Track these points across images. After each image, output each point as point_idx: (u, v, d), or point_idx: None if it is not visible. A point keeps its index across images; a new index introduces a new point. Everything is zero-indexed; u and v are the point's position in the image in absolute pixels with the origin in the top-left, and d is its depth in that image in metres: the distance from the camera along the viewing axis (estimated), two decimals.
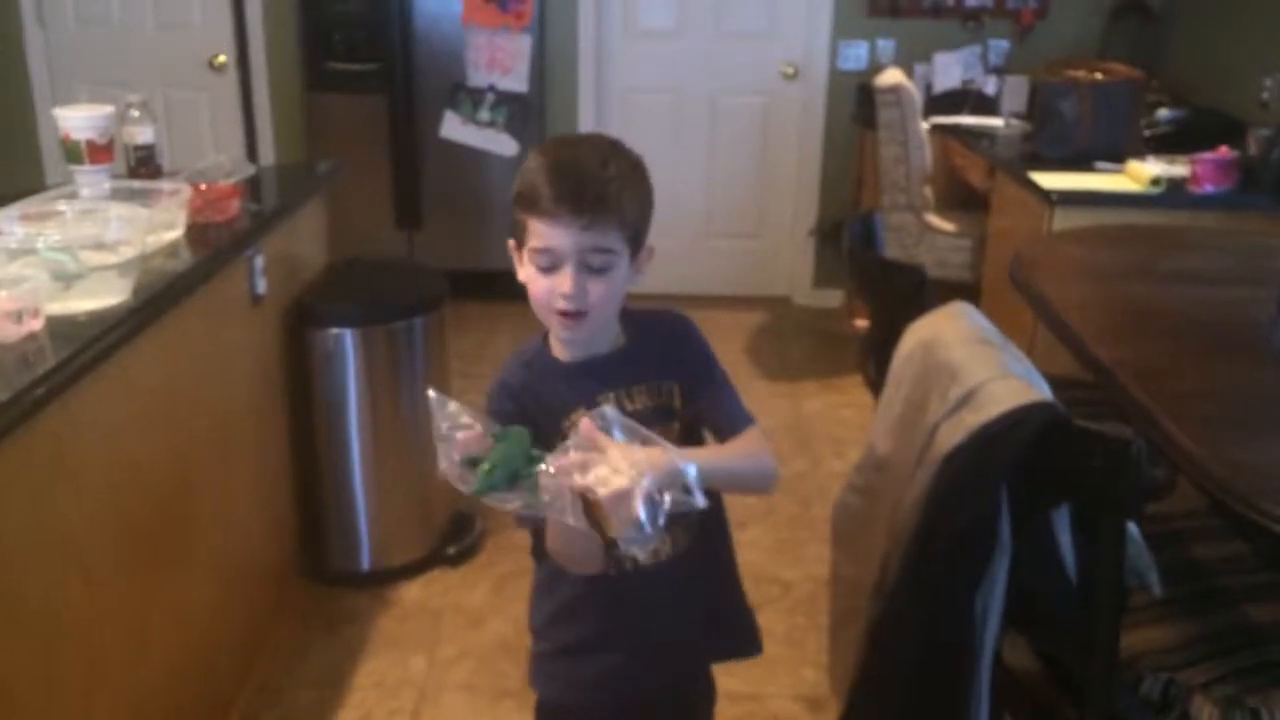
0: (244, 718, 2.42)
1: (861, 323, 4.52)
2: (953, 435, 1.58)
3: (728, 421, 1.47)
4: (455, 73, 4.84)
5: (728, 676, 1.80)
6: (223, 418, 2.40)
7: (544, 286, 1.34)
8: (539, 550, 1.44)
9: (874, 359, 2.53)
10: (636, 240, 1.37)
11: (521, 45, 4.77)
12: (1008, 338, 1.78)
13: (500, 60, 4.79)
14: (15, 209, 1.99)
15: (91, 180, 2.57)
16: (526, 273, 1.37)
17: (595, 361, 1.43)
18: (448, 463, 1.23)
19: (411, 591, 2.90)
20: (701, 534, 1.51)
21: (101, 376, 1.80)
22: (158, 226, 2.22)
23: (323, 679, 2.56)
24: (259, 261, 2.51)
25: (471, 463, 1.22)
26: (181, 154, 4.98)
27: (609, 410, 1.23)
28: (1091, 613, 1.57)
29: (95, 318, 1.84)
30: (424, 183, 5.01)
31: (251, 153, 5.07)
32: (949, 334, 1.76)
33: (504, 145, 4.86)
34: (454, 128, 4.87)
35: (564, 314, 1.34)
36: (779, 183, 5.24)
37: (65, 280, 1.85)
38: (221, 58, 4.95)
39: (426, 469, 2.97)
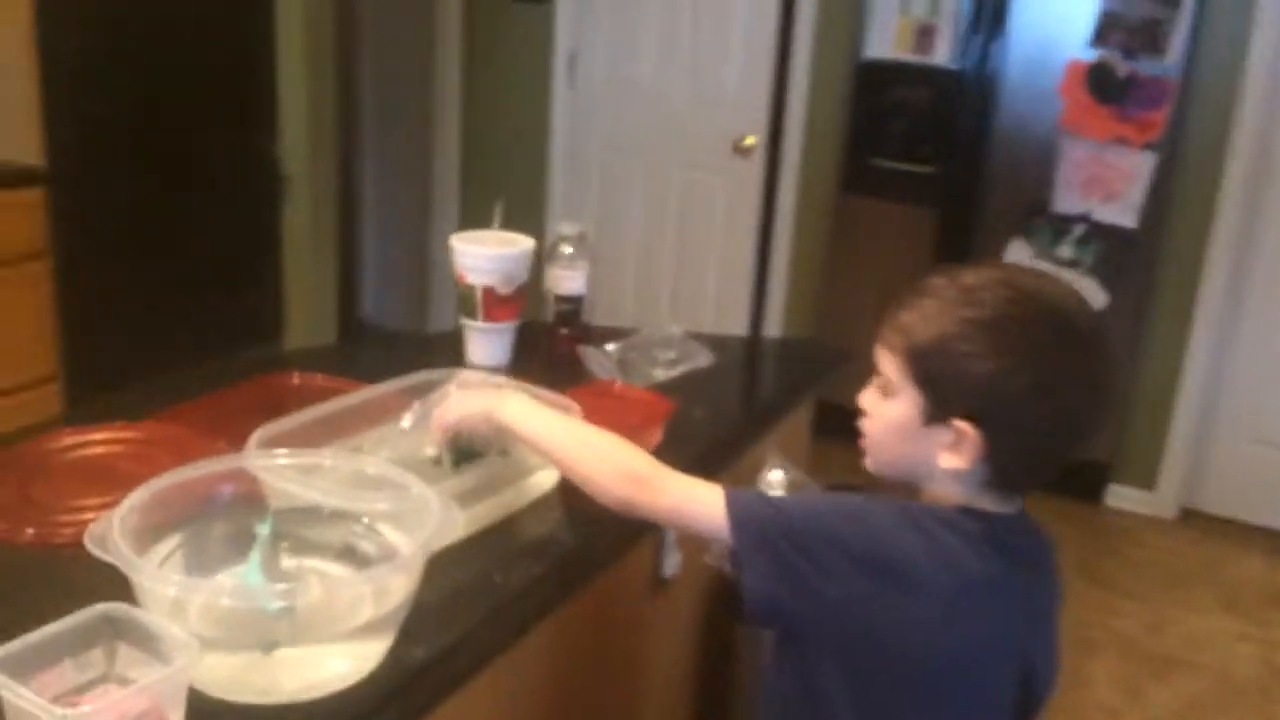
0: None
1: None
2: None
3: None
4: (1036, 191, 3.62)
5: None
6: None
7: None
8: None
9: None
10: (930, 390, 1.07)
11: (1139, 166, 3.46)
12: None
13: (1105, 182, 3.52)
14: (261, 435, 1.13)
15: (482, 348, 1.76)
16: None
17: None
18: None
19: None
20: None
21: None
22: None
23: None
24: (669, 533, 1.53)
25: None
26: (691, 243, 4.30)
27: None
28: None
29: None
30: None
31: (763, 253, 4.23)
32: None
33: (1089, 293, 3.57)
34: (1021, 261, 3.68)
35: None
36: None
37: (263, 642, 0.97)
38: (750, 139, 4.13)
39: None
